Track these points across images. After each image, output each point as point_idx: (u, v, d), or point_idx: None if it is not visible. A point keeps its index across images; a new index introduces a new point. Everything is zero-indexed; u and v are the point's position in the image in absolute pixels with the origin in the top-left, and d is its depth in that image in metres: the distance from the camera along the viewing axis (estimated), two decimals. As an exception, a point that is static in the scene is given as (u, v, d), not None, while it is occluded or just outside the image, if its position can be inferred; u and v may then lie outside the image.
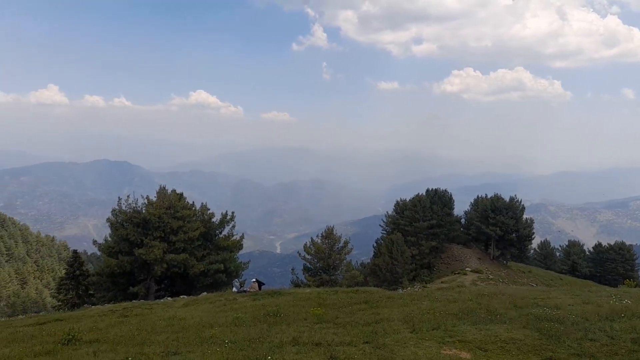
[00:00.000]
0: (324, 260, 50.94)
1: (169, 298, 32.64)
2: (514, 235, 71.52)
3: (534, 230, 74.85)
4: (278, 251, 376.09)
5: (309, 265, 52.64)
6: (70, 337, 14.32)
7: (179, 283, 40.09)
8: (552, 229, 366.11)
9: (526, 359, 11.49)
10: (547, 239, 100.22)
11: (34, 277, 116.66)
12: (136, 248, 36.73)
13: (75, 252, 46.20)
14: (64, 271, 45.47)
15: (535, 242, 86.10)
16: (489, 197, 76.22)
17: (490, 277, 58.88)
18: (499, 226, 70.16)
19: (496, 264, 71.34)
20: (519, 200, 74.08)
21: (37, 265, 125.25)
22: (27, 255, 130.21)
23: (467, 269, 63.55)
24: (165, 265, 36.81)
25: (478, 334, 13.29)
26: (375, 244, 67.77)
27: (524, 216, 74.14)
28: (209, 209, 43.60)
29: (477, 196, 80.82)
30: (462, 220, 79.78)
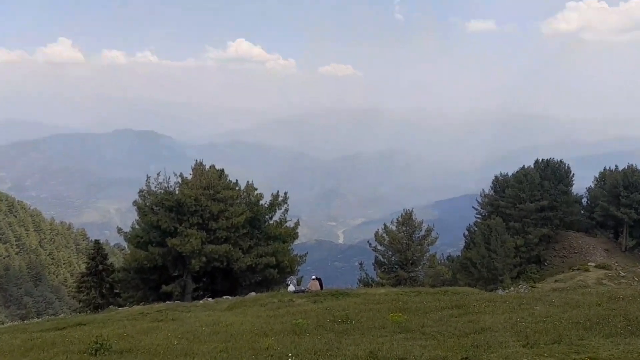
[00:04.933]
0: (401, 252, 50.81)
1: (209, 299, 33.57)
2: (655, 219, 68.73)
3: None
4: (340, 241, 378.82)
5: (382, 259, 52.72)
6: (99, 345, 14.94)
7: (221, 280, 41.06)
8: None
9: (683, 384, 10.94)
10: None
11: (49, 273, 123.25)
12: (169, 237, 37.79)
13: (96, 242, 48.18)
14: (84, 265, 47.68)
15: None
16: (619, 169, 73.33)
17: (622, 274, 56.83)
18: (634, 207, 67.50)
19: (630, 257, 68.87)
20: (664, 172, 70.87)
21: (52, 258, 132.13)
22: (40, 246, 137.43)
23: (590, 263, 61.65)
24: (204, 259, 37.71)
25: (615, 350, 12.78)
26: (467, 232, 66.94)
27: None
28: (256, 189, 44.14)
29: (604, 168, 78.00)
30: (584, 201, 77.29)
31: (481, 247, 55.43)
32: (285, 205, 44.32)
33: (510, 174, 72.96)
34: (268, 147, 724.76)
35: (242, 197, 43.17)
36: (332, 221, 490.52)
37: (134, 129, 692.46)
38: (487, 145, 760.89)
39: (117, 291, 43.22)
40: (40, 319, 31.72)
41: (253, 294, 32.40)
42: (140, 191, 41.23)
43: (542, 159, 75.05)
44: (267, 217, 43.75)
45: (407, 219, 51.95)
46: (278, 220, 44.04)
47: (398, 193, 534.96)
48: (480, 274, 54.35)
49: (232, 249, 38.65)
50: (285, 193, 44.80)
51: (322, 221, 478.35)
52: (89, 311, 38.64)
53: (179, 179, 41.31)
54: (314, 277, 30.58)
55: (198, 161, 42.99)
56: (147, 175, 42.06)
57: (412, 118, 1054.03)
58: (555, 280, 53.00)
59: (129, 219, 45.81)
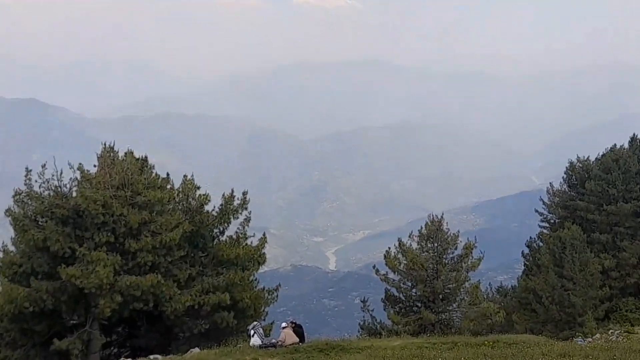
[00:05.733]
0: (426, 282, 50.83)
1: (128, 360, 33.40)
2: None
3: None
4: (332, 266, 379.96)
5: (397, 294, 52.79)
6: None
7: (145, 331, 40.89)
8: None
9: None
10: None
11: None
12: (63, 265, 37.40)
13: (-50, 274, 47.79)
14: None
15: None
16: None
17: None
18: None
19: None
20: None
21: None
22: None
23: None
24: (118, 298, 37.41)
25: None
26: (527, 250, 66.97)
27: None
28: (198, 187, 44.00)
29: None
30: None
31: (550, 272, 55.46)
32: (245, 212, 44.17)
33: (592, 157, 72.88)
34: (217, 121, 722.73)
35: (178, 200, 42.97)
36: (318, 236, 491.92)
37: (6, 97, 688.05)
38: (556, 114, 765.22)
39: (-16, 350, 42.96)
40: None
41: (196, 350, 32.30)
42: (17, 194, 40.70)
43: (641, 135, 75.23)
44: (216, 231, 43.62)
45: (434, 231, 51.87)
46: (234, 236, 43.89)
47: (419, 190, 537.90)
48: (549, 314, 54.45)
49: (162, 281, 38.40)
50: (245, 193, 44.63)
51: (303, 236, 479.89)
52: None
53: (78, 174, 40.97)
54: (284, 324, 30.46)
55: (107, 145, 42.58)
56: (26, 168, 41.61)
57: (440, 74, 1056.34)
58: (664, 322, 53.30)
59: (1, 236, 45.32)
